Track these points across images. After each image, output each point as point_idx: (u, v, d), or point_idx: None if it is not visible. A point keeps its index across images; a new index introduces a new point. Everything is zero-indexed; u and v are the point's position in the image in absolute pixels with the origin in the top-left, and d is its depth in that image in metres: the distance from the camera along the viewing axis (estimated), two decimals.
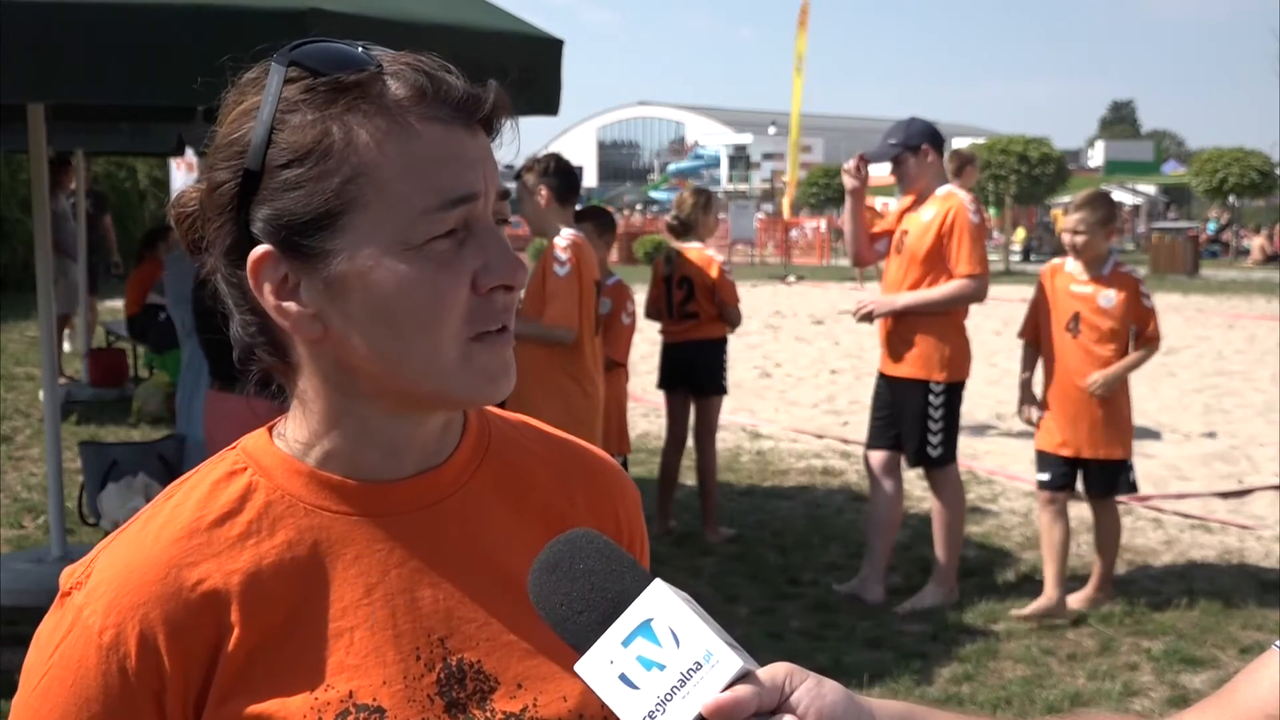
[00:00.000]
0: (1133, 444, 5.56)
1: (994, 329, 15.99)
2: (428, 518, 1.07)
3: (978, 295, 5.51)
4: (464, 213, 0.99)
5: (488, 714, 1.03)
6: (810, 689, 0.88)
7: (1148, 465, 8.62)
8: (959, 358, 5.55)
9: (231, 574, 1.01)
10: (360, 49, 1.01)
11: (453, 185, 0.98)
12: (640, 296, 6.80)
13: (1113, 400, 5.41)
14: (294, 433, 1.07)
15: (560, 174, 5.18)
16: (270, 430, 1.09)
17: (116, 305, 14.12)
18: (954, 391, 5.53)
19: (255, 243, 1.00)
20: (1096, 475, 5.53)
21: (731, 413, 10.59)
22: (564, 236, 5.12)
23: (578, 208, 5.59)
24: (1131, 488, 5.64)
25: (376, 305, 0.99)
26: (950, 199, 5.51)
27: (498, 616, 1.06)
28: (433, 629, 1.04)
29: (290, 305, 1.01)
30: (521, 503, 1.12)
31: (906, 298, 5.52)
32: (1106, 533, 5.66)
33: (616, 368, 6.10)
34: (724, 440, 9.37)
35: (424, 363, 1.00)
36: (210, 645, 0.99)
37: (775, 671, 0.88)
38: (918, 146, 5.53)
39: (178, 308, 6.34)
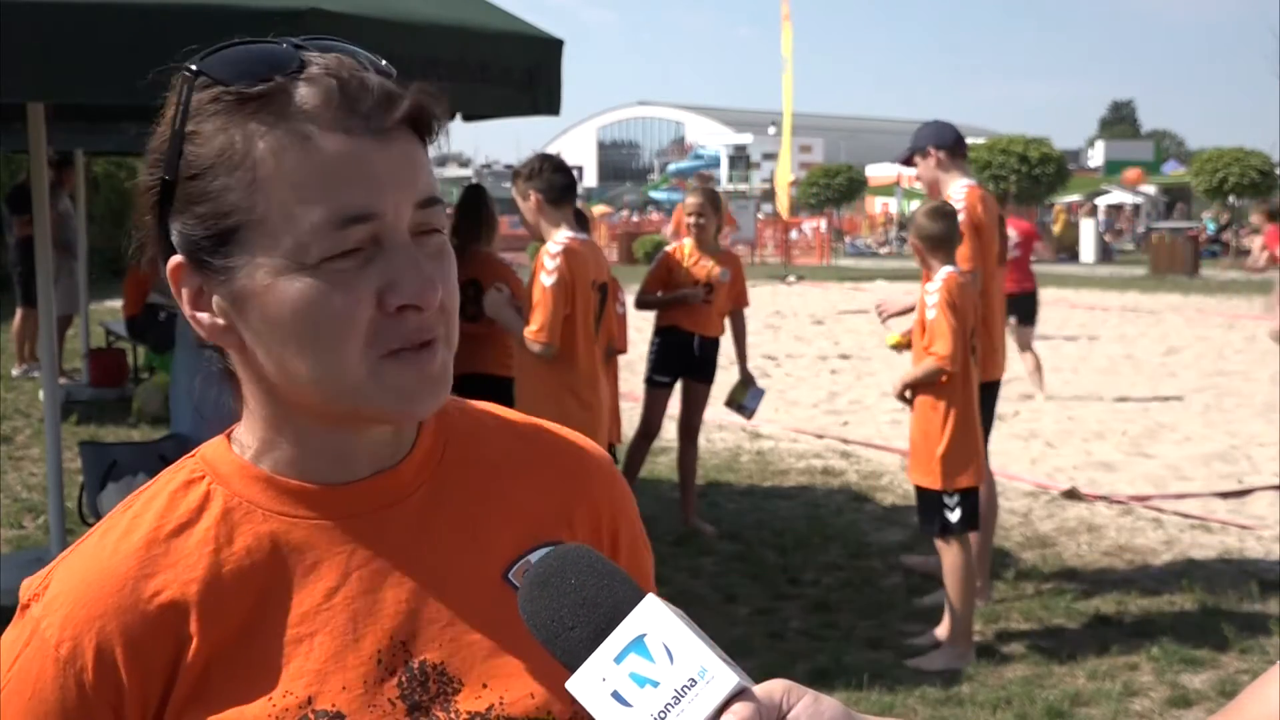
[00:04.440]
0: (950, 480, 4.91)
1: None
2: (388, 518, 1.05)
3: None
4: (367, 231, 0.95)
5: (451, 715, 1.01)
6: (808, 706, 0.86)
7: (1148, 465, 8.63)
8: (995, 358, 5.67)
9: (189, 584, 1.00)
10: (285, 47, 0.99)
11: (348, 204, 0.95)
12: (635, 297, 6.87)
13: (921, 420, 5.02)
14: (246, 439, 1.06)
15: (548, 175, 5.03)
16: (229, 436, 1.08)
17: (116, 305, 14.10)
18: (990, 390, 5.57)
19: (174, 251, 1.01)
20: (917, 501, 5.16)
21: (730, 412, 10.58)
22: (557, 242, 4.97)
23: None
24: (948, 529, 4.95)
25: (274, 324, 0.97)
26: (945, 199, 5.62)
27: (462, 616, 1.04)
28: (395, 631, 1.02)
29: (204, 316, 1.01)
30: (486, 499, 1.10)
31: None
32: (946, 574, 5.01)
33: (614, 355, 6.17)
34: (724, 440, 9.39)
35: (329, 382, 0.98)
36: (169, 657, 0.98)
37: (772, 689, 0.87)
38: (924, 149, 5.79)
39: None
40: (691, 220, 6.82)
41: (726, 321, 7.02)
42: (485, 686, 1.03)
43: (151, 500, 1.04)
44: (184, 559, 1.01)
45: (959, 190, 5.67)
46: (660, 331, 6.89)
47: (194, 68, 0.98)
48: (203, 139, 0.97)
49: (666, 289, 6.79)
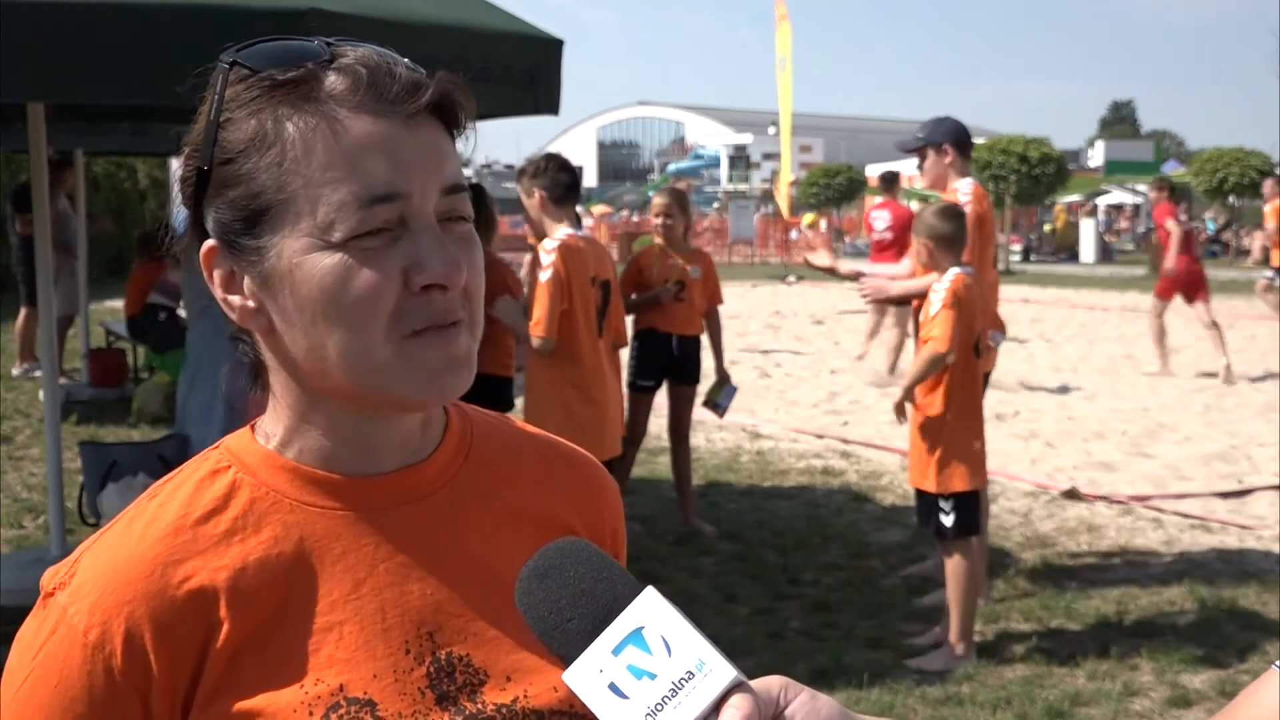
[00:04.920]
0: (944, 483, 4.91)
1: None
2: (413, 513, 1.07)
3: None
4: (394, 210, 0.98)
5: (479, 706, 1.03)
6: (805, 703, 0.86)
7: (1148, 465, 8.63)
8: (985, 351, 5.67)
9: (218, 571, 1.00)
10: (316, 43, 1.01)
11: (374, 183, 0.97)
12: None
13: (918, 422, 5.00)
14: (272, 428, 1.08)
15: (553, 174, 5.12)
16: (253, 427, 1.09)
17: (116, 305, 14.10)
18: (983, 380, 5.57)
19: (208, 237, 1.04)
20: (916, 501, 5.19)
21: (732, 412, 10.58)
22: (554, 239, 5.05)
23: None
24: (943, 533, 4.96)
25: (303, 302, 0.99)
26: (951, 194, 5.65)
27: (484, 611, 1.06)
28: (422, 623, 1.04)
29: (235, 299, 1.03)
30: (506, 501, 1.12)
31: (900, 285, 5.64)
32: (948, 576, 5.00)
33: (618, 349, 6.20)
34: (724, 440, 9.39)
35: (356, 360, 0.99)
36: (198, 643, 0.99)
37: (769, 684, 0.87)
38: (940, 144, 5.73)
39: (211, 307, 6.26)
40: (659, 220, 6.84)
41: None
42: (510, 680, 1.05)
43: (177, 489, 1.05)
44: (212, 546, 1.02)
45: (967, 186, 5.70)
46: (638, 335, 6.89)
47: (230, 59, 1.01)
48: (235, 125, 1.00)
49: (639, 291, 6.78)
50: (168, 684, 0.98)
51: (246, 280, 1.02)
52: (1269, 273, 15.86)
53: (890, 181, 14.07)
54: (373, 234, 0.98)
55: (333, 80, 0.99)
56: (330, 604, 1.02)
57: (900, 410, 5.11)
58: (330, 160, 0.97)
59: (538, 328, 4.97)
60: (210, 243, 1.03)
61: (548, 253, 5.01)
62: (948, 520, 4.92)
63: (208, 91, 1.03)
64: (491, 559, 1.08)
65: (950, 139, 5.76)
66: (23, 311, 11.60)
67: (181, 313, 9.66)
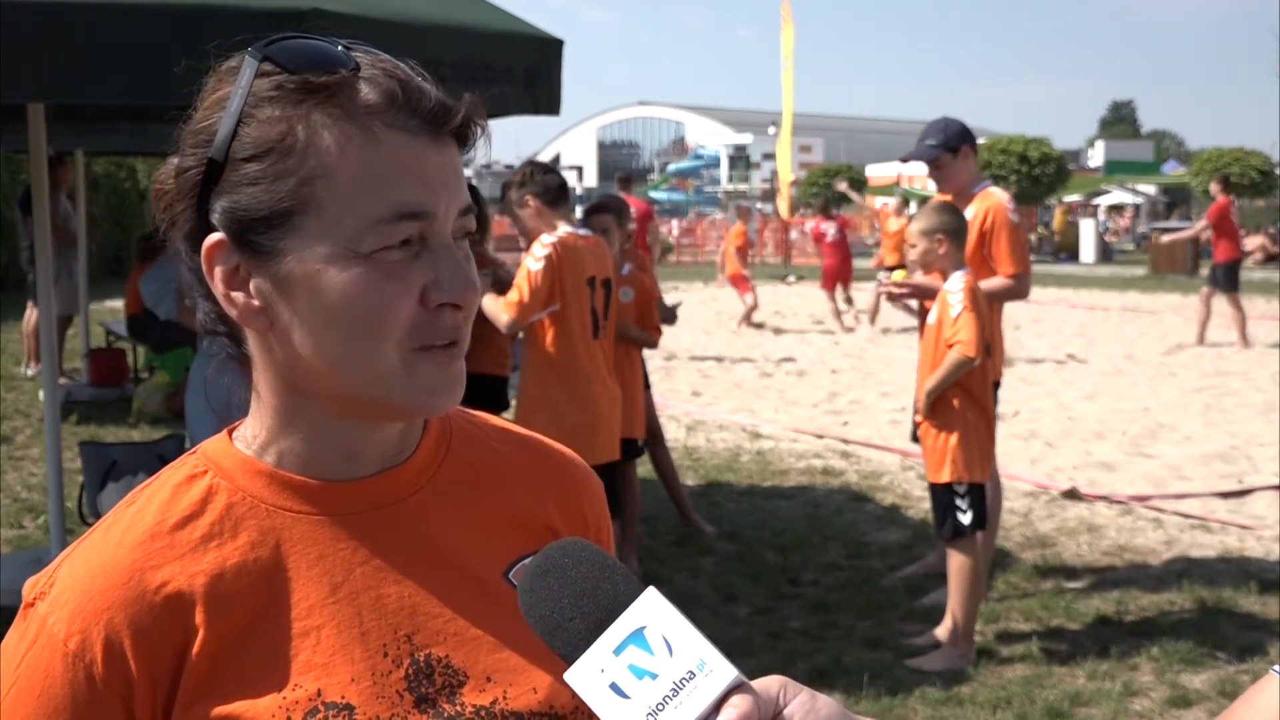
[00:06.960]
0: (961, 471, 4.90)
1: None
2: (390, 516, 1.07)
3: (1020, 293, 5.58)
4: (418, 227, 0.99)
5: (458, 708, 1.03)
6: (804, 703, 0.87)
7: (1148, 465, 8.63)
8: (999, 357, 5.63)
9: (195, 576, 1.01)
10: (341, 47, 1.01)
11: (405, 199, 0.98)
12: None
13: (936, 416, 4.97)
14: (252, 430, 1.08)
15: (540, 179, 5.11)
16: (230, 433, 1.09)
17: (116, 305, 14.11)
18: (994, 389, 5.53)
19: (213, 230, 1.02)
20: (932, 502, 5.14)
21: (732, 413, 10.59)
22: (552, 235, 5.02)
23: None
24: (960, 531, 4.92)
25: (321, 308, 0.99)
26: (989, 198, 5.55)
27: (464, 612, 1.06)
28: (399, 625, 1.04)
29: (239, 296, 1.02)
30: (486, 501, 1.12)
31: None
32: (951, 574, 4.99)
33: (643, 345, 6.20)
34: (724, 440, 9.39)
35: (365, 368, 1.00)
36: (176, 648, 0.99)
37: (769, 684, 0.87)
38: (957, 148, 5.59)
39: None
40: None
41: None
42: (489, 680, 1.04)
43: (153, 496, 1.05)
44: (189, 552, 1.02)
45: (998, 189, 5.65)
46: None
47: (260, 53, 1.00)
48: (261, 123, 0.99)
49: None
50: (148, 689, 0.99)
51: (255, 278, 1.01)
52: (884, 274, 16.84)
53: (626, 182, 16.22)
54: (395, 248, 0.99)
55: (366, 91, 0.99)
56: (307, 609, 1.02)
57: (924, 411, 5.05)
58: (364, 173, 0.98)
59: (511, 309, 4.92)
60: (217, 236, 1.01)
61: (543, 246, 4.97)
62: (965, 518, 4.90)
63: (216, 81, 1.02)
64: (472, 558, 1.09)
65: (966, 141, 5.63)
66: (35, 311, 11.59)
67: None
